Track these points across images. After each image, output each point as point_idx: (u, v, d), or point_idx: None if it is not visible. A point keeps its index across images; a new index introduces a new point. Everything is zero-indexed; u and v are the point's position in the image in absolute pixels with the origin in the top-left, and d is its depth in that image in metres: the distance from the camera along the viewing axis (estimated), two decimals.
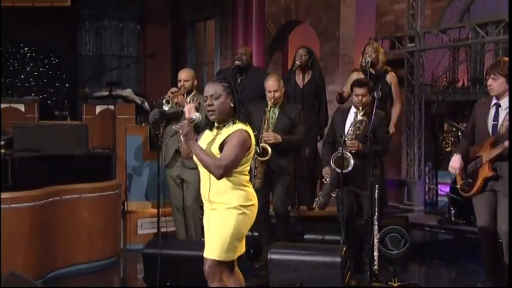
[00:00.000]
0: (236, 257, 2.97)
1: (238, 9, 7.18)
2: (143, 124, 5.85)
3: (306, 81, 5.76)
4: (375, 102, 4.18)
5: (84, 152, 4.98)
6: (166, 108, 4.60)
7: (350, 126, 4.32)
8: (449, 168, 3.89)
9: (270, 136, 4.50)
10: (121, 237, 5.33)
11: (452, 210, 5.61)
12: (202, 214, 4.44)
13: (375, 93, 4.23)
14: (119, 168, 5.47)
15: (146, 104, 5.83)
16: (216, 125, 2.96)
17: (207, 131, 3.02)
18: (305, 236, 4.75)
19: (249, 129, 2.90)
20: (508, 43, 5.29)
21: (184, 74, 4.93)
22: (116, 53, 8.37)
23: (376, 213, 3.96)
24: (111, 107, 5.67)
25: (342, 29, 7.39)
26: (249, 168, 2.95)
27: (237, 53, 5.93)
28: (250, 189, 2.95)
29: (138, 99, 5.77)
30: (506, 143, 3.54)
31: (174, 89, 4.83)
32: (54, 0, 7.18)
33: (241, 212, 2.87)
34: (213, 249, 2.88)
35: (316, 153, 5.93)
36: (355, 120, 4.30)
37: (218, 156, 2.85)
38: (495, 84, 3.70)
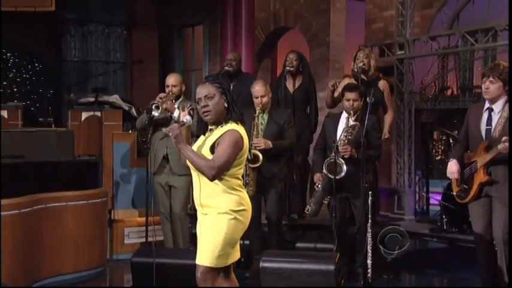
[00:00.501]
0: (229, 263, 2.95)
1: (227, 14, 7.20)
2: (130, 131, 5.82)
3: (296, 86, 5.78)
4: (368, 107, 4.19)
5: (70, 159, 4.96)
6: (156, 114, 4.59)
7: (342, 132, 4.33)
8: (448, 174, 3.90)
9: (260, 142, 4.50)
10: (107, 247, 5.28)
11: (445, 218, 5.64)
12: (191, 222, 4.46)
13: (367, 99, 4.25)
14: (106, 176, 5.44)
15: (133, 111, 5.80)
16: (209, 127, 2.96)
17: (201, 136, 3.02)
18: (296, 245, 4.75)
19: (241, 129, 2.90)
20: (508, 46, 5.33)
21: (172, 79, 4.92)
22: (102, 58, 8.32)
23: (370, 221, 3.95)
24: (98, 113, 5.63)
25: (332, 35, 7.43)
26: (242, 171, 2.94)
27: (226, 59, 5.93)
28: (243, 194, 2.93)
29: (125, 106, 5.74)
30: (500, 146, 3.56)
31: (162, 94, 4.82)
32: (38, 5, 7.14)
33: (232, 217, 2.85)
34: (205, 255, 2.86)
35: (307, 160, 5.95)
36: (347, 125, 4.31)
37: (210, 158, 2.84)
38: (492, 87, 3.71)
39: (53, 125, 6.27)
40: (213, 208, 2.87)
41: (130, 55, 8.57)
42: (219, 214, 2.85)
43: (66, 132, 5.24)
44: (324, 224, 5.15)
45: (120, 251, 5.44)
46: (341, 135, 4.32)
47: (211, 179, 2.81)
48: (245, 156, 2.94)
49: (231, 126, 2.89)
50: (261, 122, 4.62)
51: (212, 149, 2.86)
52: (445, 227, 5.62)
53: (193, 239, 4.94)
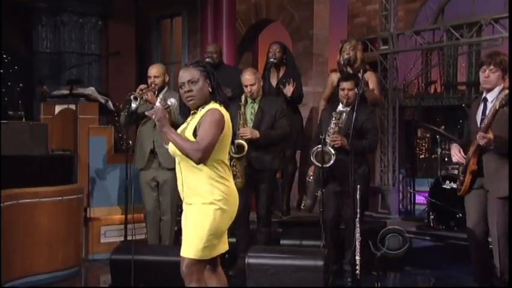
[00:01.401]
0: (215, 255, 2.92)
1: (208, 5, 7.15)
2: (108, 125, 5.74)
3: (279, 77, 5.78)
4: (356, 97, 4.21)
5: (43, 153, 4.89)
6: (134, 105, 4.52)
7: (332, 119, 4.33)
8: (453, 158, 3.87)
9: (246, 132, 4.45)
10: (83, 246, 5.21)
11: (432, 215, 5.69)
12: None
13: (356, 89, 4.26)
14: (81, 172, 5.37)
15: (110, 104, 5.73)
16: (191, 111, 2.93)
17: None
18: (281, 242, 4.73)
19: (221, 109, 2.86)
20: (508, 41, 5.38)
21: (154, 70, 4.87)
22: (76, 50, 8.17)
23: (358, 215, 3.96)
24: (72, 106, 5.55)
25: (315, 28, 7.42)
26: (225, 157, 2.90)
27: (207, 51, 5.90)
28: (229, 183, 2.89)
29: (101, 98, 5.66)
30: (477, 137, 3.54)
31: (143, 86, 4.76)
32: None
33: (217, 207, 2.82)
34: (189, 247, 2.82)
35: (295, 155, 5.95)
36: (336, 112, 4.32)
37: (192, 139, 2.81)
38: (493, 76, 3.69)
39: (23, 119, 6.15)
40: (197, 197, 2.84)
41: (105, 47, 8.47)
42: (203, 204, 2.82)
43: (39, 125, 5.16)
44: (309, 220, 5.15)
45: (96, 250, 5.39)
46: (331, 124, 4.32)
47: (198, 162, 2.77)
48: (228, 140, 2.91)
49: (212, 105, 2.85)
50: (251, 112, 4.58)
51: (195, 132, 2.82)
52: (432, 225, 5.66)
53: (177, 237, 4.92)
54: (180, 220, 5.15)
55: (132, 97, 4.53)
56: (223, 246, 2.95)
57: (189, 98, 2.85)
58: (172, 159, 4.55)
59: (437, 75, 8.31)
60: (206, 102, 2.87)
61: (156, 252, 4.02)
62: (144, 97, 4.58)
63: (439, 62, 8.22)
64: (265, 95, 4.86)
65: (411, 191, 6.68)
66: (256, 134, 4.47)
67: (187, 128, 2.90)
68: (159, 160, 4.80)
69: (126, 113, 4.56)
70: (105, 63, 8.50)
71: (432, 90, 8.37)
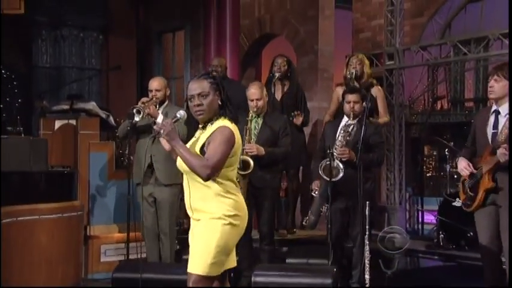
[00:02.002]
0: (222, 271, 2.90)
1: (211, 19, 7.20)
2: (111, 140, 5.75)
3: (284, 92, 5.81)
4: (365, 111, 4.22)
5: (43, 169, 4.89)
6: (137, 119, 4.55)
7: (339, 133, 4.34)
8: (460, 171, 3.89)
9: (253, 148, 4.47)
10: (82, 265, 5.20)
11: (441, 234, 5.66)
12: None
13: (364, 103, 4.28)
14: (81, 189, 5.37)
15: (111, 119, 5.74)
16: (200, 125, 2.93)
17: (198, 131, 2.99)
18: (287, 261, 4.70)
19: (232, 126, 2.87)
20: (508, 48, 5.41)
21: (155, 83, 4.90)
22: (76, 64, 8.22)
23: (367, 233, 3.94)
24: (73, 121, 5.57)
25: (320, 43, 7.48)
26: (235, 173, 2.91)
27: (211, 65, 5.94)
28: (238, 198, 2.90)
29: (102, 113, 5.68)
30: (498, 153, 3.55)
31: (145, 99, 4.79)
32: (6, 7, 7.04)
33: (226, 222, 2.82)
34: (197, 263, 2.82)
35: (298, 173, 5.95)
36: (344, 125, 4.33)
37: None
38: (497, 86, 3.71)
39: (22, 135, 6.16)
40: (205, 213, 2.84)
41: (106, 61, 8.51)
42: (211, 219, 2.82)
43: (39, 140, 5.18)
44: (315, 238, 5.13)
45: (95, 269, 5.36)
46: (338, 136, 4.33)
47: (206, 179, 2.78)
48: (237, 156, 2.92)
49: (222, 122, 2.86)
50: (255, 127, 4.60)
51: (202, 148, 2.83)
52: (441, 244, 5.64)
53: (177, 257, 4.91)
54: (181, 239, 5.23)
55: (134, 110, 4.56)
56: (231, 263, 2.95)
57: (199, 112, 2.86)
58: (170, 175, 4.70)
59: (444, 92, 8.34)
60: (215, 116, 2.87)
61: (160, 270, 4.00)
62: (146, 110, 4.59)
63: (445, 78, 8.26)
64: (270, 110, 4.88)
65: (420, 208, 6.65)
66: (262, 150, 4.49)
67: (197, 143, 2.89)
68: (156, 175, 4.80)
69: (128, 127, 4.57)
70: (105, 78, 8.54)
71: (439, 107, 8.39)
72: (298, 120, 5.68)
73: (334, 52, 7.65)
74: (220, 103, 2.88)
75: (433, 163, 8.45)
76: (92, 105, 5.70)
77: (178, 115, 2.92)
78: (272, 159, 4.57)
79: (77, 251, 4.99)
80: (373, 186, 4.52)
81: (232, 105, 2.92)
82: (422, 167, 7.31)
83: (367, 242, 3.94)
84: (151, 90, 4.87)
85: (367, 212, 3.96)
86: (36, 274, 4.58)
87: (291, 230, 5.80)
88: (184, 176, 2.92)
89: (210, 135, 2.83)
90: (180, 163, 2.90)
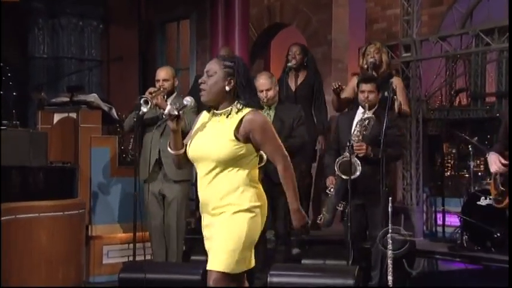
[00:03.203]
0: (246, 269, 2.88)
1: (218, 7, 7.18)
2: (112, 135, 5.74)
3: (299, 83, 5.79)
4: (387, 102, 4.20)
5: (43, 164, 4.87)
6: (145, 110, 4.53)
7: (355, 127, 4.31)
8: (491, 167, 3.87)
9: None
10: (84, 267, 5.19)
11: (465, 235, 5.63)
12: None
13: (385, 93, 4.26)
14: (82, 186, 5.35)
15: (114, 112, 5.72)
16: (212, 112, 2.91)
17: (203, 118, 2.97)
18: (302, 261, 4.68)
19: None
20: (508, 45, 5.37)
21: (163, 73, 4.89)
22: (75, 55, 8.20)
23: (390, 230, 3.92)
24: (73, 114, 5.54)
25: (334, 32, 7.48)
26: (257, 160, 2.91)
27: (220, 52, 5.91)
28: (260, 187, 2.91)
29: (104, 106, 5.65)
30: None
31: (152, 89, 4.77)
32: None
33: (253, 214, 2.81)
34: (221, 259, 2.77)
35: (311, 168, 5.93)
36: (361, 119, 4.31)
37: (233, 147, 2.78)
38: None
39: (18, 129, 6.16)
40: (230, 205, 2.81)
41: (107, 52, 8.50)
42: (238, 212, 2.80)
43: (39, 133, 5.17)
44: (331, 238, 5.12)
45: (97, 272, 5.34)
46: (354, 131, 4.30)
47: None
48: None
49: (247, 109, 2.84)
50: None
51: (236, 137, 2.80)
52: (465, 245, 5.60)
53: (185, 258, 4.89)
54: (187, 239, 5.21)
55: (142, 101, 4.54)
56: (252, 261, 2.93)
57: (201, 92, 2.87)
58: (180, 171, 4.64)
59: (463, 86, 8.29)
60: (221, 102, 2.86)
61: (169, 270, 3.98)
62: (154, 101, 4.57)
63: (465, 71, 8.21)
64: (282, 101, 4.85)
65: (442, 207, 6.61)
66: None
67: (216, 133, 2.84)
68: (164, 171, 4.79)
69: (135, 118, 4.55)
70: (106, 69, 8.53)
71: (457, 102, 8.34)
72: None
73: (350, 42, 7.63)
74: (228, 89, 2.84)
75: (452, 162, 8.39)
76: (93, 97, 5.67)
77: (185, 102, 2.92)
78: (289, 152, 4.52)
79: (78, 252, 4.98)
80: (390, 183, 4.49)
81: (254, 94, 2.90)
82: (443, 165, 7.26)
83: (390, 241, 3.91)
84: (159, 80, 4.87)
85: (390, 209, 3.93)
86: (36, 275, 4.57)
87: (305, 229, 5.77)
88: (202, 169, 2.87)
89: (241, 124, 2.80)
90: (197, 151, 2.86)
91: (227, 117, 2.85)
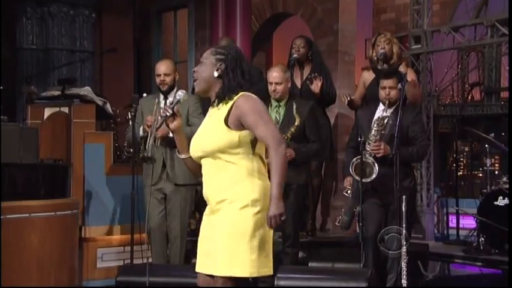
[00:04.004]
0: (264, 274, 2.82)
1: None
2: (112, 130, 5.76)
3: (304, 78, 5.77)
4: (401, 95, 4.19)
5: (34, 162, 4.86)
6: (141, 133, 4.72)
7: (373, 125, 4.30)
8: None
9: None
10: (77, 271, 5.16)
11: (482, 237, 5.62)
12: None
13: (399, 84, 4.25)
14: (75, 185, 5.34)
15: (108, 106, 5.72)
16: (212, 101, 2.93)
17: (208, 113, 2.99)
18: (310, 264, 4.68)
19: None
20: (508, 47, 5.36)
21: (163, 67, 4.90)
22: (66, 46, 8.16)
23: (404, 231, 3.90)
24: (65, 109, 5.54)
25: (341, 22, 7.43)
26: (264, 149, 2.88)
27: (220, 43, 5.89)
28: (267, 179, 2.85)
29: (99, 100, 5.65)
30: None
31: (150, 120, 4.74)
32: None
33: (256, 209, 2.76)
34: (228, 263, 2.71)
35: (321, 168, 5.91)
36: (378, 118, 4.29)
37: (224, 136, 2.77)
38: None
39: None
40: (229, 201, 2.78)
41: (100, 43, 8.49)
42: (240, 208, 2.76)
43: (29, 129, 5.16)
44: (340, 240, 5.12)
45: (91, 276, 5.34)
46: (372, 131, 4.30)
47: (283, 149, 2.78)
48: None
49: (240, 93, 2.84)
50: (275, 117, 4.56)
51: (227, 124, 2.80)
52: (482, 248, 5.60)
53: (186, 259, 4.88)
54: (189, 241, 5.20)
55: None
56: (270, 268, 2.83)
57: (194, 81, 2.93)
58: (185, 174, 4.68)
59: (476, 80, 8.29)
60: (213, 90, 2.87)
61: (170, 273, 3.97)
62: (159, 135, 4.63)
63: (478, 65, 8.20)
64: (293, 97, 4.85)
65: (456, 208, 6.60)
66: (293, 154, 4.41)
67: (213, 121, 2.85)
68: (167, 173, 4.81)
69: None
70: (99, 61, 8.50)
71: (469, 98, 8.33)
72: (317, 86, 5.53)
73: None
74: (216, 75, 2.84)
75: (465, 160, 8.38)
76: (86, 91, 5.69)
77: (178, 96, 2.94)
78: (302, 157, 4.53)
79: (71, 255, 4.95)
80: (413, 184, 4.49)
81: (244, 78, 2.86)
82: (457, 164, 7.25)
83: (404, 243, 3.90)
84: (159, 75, 4.86)
85: (404, 209, 3.91)
86: (26, 280, 4.53)
87: (310, 232, 5.76)
88: (203, 165, 2.87)
89: (231, 110, 2.80)
90: (195, 146, 2.87)
91: (219, 105, 2.86)
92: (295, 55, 5.74)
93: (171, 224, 4.83)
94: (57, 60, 8.07)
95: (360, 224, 4.17)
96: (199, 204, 5.78)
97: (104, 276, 5.22)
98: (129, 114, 4.85)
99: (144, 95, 5.23)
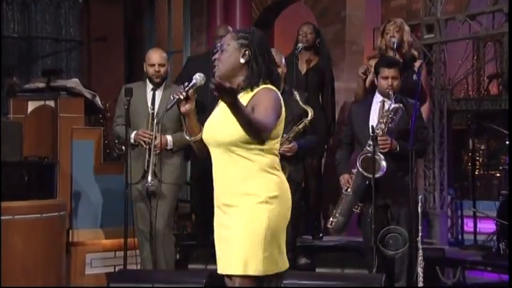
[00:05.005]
0: (277, 271, 2.84)
1: None
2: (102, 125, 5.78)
3: (309, 67, 5.84)
4: (417, 87, 4.23)
5: (17, 159, 4.86)
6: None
7: (380, 118, 4.31)
8: None
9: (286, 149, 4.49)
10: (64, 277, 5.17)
11: (502, 241, 5.63)
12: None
13: (414, 76, 4.26)
14: (62, 185, 5.37)
15: (98, 100, 5.74)
16: None
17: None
18: (317, 270, 4.69)
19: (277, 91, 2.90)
20: (508, 47, 5.38)
21: (157, 56, 4.91)
22: (50, 35, 8.15)
23: (420, 234, 3.90)
24: (50, 102, 5.56)
25: (348, 9, 7.45)
26: (278, 147, 2.92)
27: (216, 36, 5.92)
28: (282, 175, 2.91)
29: (87, 93, 5.66)
30: None
31: (147, 136, 4.78)
32: None
33: (272, 206, 2.80)
34: (243, 261, 2.74)
35: (321, 166, 5.94)
36: (388, 109, 4.30)
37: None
38: None
39: None
40: (245, 196, 2.80)
41: (87, 32, 8.49)
42: (255, 204, 2.79)
43: (12, 124, 5.17)
44: (349, 244, 5.13)
45: (79, 283, 5.33)
46: (378, 123, 4.31)
47: (262, 140, 2.77)
48: (282, 127, 2.93)
49: (263, 85, 2.86)
50: None
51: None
52: (501, 253, 5.60)
53: (182, 265, 4.88)
54: (183, 245, 5.21)
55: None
56: (285, 261, 2.89)
57: (214, 69, 2.91)
58: (172, 173, 4.70)
59: (493, 72, 8.29)
60: (238, 78, 2.88)
61: (167, 279, 3.99)
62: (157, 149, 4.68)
63: (495, 56, 8.21)
64: (291, 87, 4.91)
65: (473, 210, 6.61)
66: (295, 146, 4.48)
67: (227, 113, 2.78)
68: (154, 171, 4.80)
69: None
70: (86, 51, 8.53)
71: (486, 91, 8.34)
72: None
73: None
74: (243, 62, 2.85)
75: (481, 159, 8.40)
76: (74, 83, 5.69)
77: (194, 80, 2.88)
78: (304, 150, 4.64)
79: (58, 260, 4.95)
80: (415, 182, 4.53)
81: (272, 67, 2.90)
82: (474, 163, 7.26)
83: (420, 246, 3.92)
84: (153, 65, 4.86)
85: (419, 210, 3.93)
86: (10, 285, 4.54)
87: (316, 236, 5.79)
88: (214, 155, 2.89)
89: (251, 100, 2.82)
90: (209, 134, 2.88)
91: (243, 93, 2.87)
92: (301, 42, 5.77)
93: (157, 219, 4.78)
94: (41, 49, 8.06)
95: (372, 226, 4.18)
96: (193, 206, 5.81)
97: (93, 283, 5.23)
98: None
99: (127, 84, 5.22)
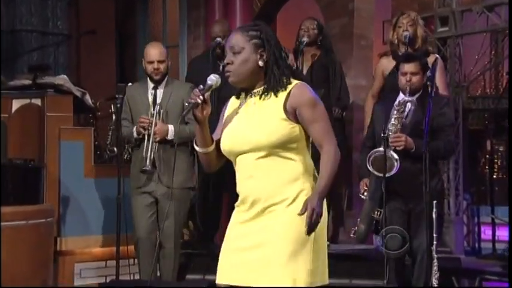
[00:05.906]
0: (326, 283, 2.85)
1: None
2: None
3: (311, 64, 5.88)
4: (432, 83, 4.23)
5: (1, 162, 4.91)
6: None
7: (392, 114, 4.33)
8: None
9: None
10: None
11: None
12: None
13: (427, 72, 4.26)
14: (49, 189, 5.40)
15: (88, 98, 5.77)
16: (243, 94, 2.92)
17: (232, 105, 2.98)
18: None
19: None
20: (508, 46, 5.37)
21: (157, 52, 4.92)
22: (36, 28, 8.10)
23: (435, 242, 3.94)
24: (37, 100, 5.58)
25: (357, 1, 7.46)
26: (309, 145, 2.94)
27: (213, 31, 5.93)
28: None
29: (76, 91, 5.69)
30: None
31: (145, 121, 4.79)
32: None
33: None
34: (289, 272, 2.70)
35: None
36: (398, 103, 4.33)
37: (287, 127, 2.79)
38: None
39: None
40: (287, 200, 2.78)
41: (76, 25, 8.51)
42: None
43: None
44: (357, 252, 5.12)
45: None
46: (391, 119, 4.32)
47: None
48: None
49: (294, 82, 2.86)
50: None
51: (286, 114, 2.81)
52: None
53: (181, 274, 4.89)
54: (183, 254, 5.21)
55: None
56: (325, 276, 2.86)
57: (227, 73, 2.86)
58: (178, 177, 4.73)
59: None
60: (256, 81, 2.87)
61: None
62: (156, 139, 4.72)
63: None
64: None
65: (492, 216, 6.61)
66: None
67: (260, 115, 2.83)
68: (159, 175, 4.84)
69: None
70: (75, 45, 8.52)
71: (503, 89, 8.34)
72: None
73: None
74: (261, 64, 2.83)
75: (499, 162, 8.39)
76: (62, 79, 5.73)
77: (209, 81, 2.85)
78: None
79: (45, 270, 4.94)
80: (441, 185, 4.52)
81: (288, 65, 2.90)
82: (491, 166, 7.26)
83: (435, 255, 3.92)
84: (152, 62, 4.88)
85: (434, 216, 3.93)
86: None
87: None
88: (245, 161, 2.85)
89: (288, 100, 2.81)
90: (240, 140, 2.85)
91: (266, 96, 2.85)
92: (304, 38, 5.78)
93: (165, 227, 4.83)
94: (26, 43, 8.05)
95: (383, 233, 4.17)
96: (192, 212, 5.81)
97: None
98: (113, 107, 4.83)
99: (130, 84, 5.24)
